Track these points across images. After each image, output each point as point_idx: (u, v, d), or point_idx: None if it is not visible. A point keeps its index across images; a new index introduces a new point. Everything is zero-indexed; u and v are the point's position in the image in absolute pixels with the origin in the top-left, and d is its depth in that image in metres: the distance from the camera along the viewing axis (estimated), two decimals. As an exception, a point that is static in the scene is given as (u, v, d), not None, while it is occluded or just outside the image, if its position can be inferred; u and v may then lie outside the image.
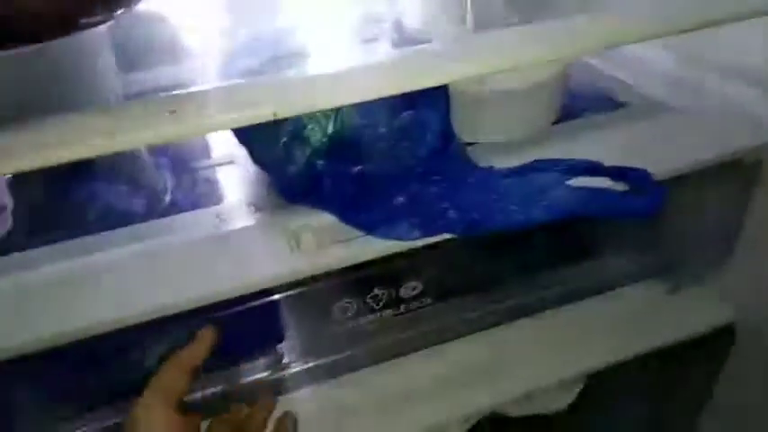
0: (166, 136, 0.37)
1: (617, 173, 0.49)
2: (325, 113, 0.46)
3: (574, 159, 0.50)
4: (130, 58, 0.50)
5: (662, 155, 0.53)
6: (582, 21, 0.44)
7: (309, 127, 0.46)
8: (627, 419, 0.73)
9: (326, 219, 0.47)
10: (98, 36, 0.46)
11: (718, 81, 0.60)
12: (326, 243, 0.46)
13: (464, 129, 0.52)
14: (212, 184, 0.54)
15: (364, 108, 0.46)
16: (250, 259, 0.46)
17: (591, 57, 0.68)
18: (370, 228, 0.46)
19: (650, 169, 0.50)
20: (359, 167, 0.47)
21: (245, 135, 0.49)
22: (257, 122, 0.38)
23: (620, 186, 0.49)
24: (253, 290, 0.45)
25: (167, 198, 0.53)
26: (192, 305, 0.43)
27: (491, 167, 0.50)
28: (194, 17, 0.59)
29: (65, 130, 0.36)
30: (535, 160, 0.51)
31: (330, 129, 0.46)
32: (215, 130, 0.39)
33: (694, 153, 0.53)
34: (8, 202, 0.46)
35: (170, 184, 0.54)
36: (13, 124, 0.36)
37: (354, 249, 0.46)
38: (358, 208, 0.46)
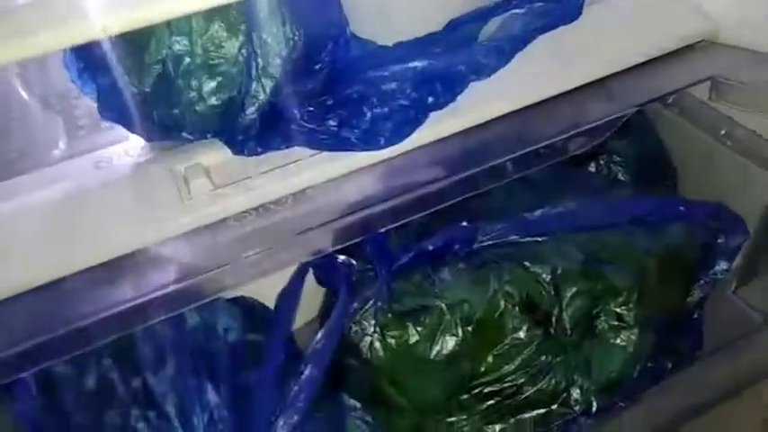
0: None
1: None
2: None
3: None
4: None
5: (605, 50, 0.46)
6: None
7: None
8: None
9: (219, 155, 0.40)
10: None
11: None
12: (222, 185, 0.39)
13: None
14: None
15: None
16: (135, 213, 0.38)
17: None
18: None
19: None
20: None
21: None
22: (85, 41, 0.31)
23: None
24: (136, 249, 0.37)
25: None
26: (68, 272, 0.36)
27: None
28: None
29: None
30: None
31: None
32: (35, 53, 0.31)
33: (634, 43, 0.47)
34: None
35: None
36: None
37: (257, 189, 0.39)
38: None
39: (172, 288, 0.38)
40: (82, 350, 0.38)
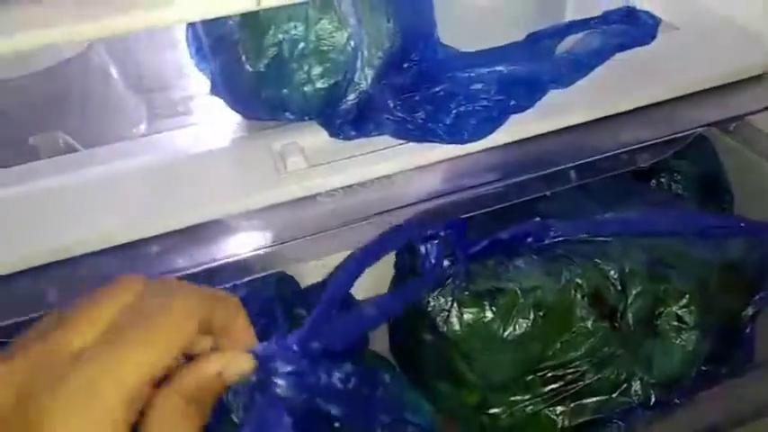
0: (117, 28, 0.32)
1: (603, 20, 0.48)
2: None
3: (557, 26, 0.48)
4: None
5: (670, 75, 0.49)
6: None
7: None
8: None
9: (314, 137, 0.43)
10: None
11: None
12: (317, 163, 0.42)
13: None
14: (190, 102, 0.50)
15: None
16: (232, 182, 0.42)
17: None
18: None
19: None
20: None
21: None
22: (235, 13, 0.35)
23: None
24: (231, 213, 0.41)
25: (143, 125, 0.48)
26: (169, 229, 0.40)
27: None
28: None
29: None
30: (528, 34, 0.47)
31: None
32: (181, 21, 0.35)
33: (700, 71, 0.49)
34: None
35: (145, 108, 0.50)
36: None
37: (347, 170, 0.42)
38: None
39: (259, 251, 0.41)
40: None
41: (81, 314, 0.22)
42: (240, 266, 0.41)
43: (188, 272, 0.40)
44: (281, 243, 0.41)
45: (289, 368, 0.28)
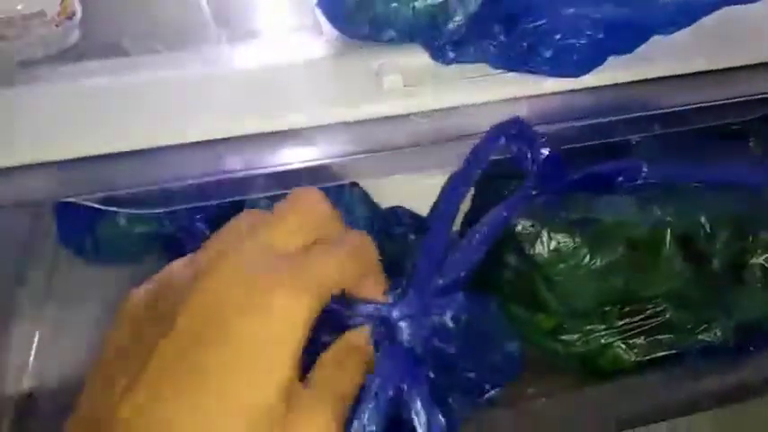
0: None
1: None
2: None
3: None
4: None
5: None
6: None
7: None
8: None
9: (412, 58, 0.43)
10: None
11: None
12: (413, 84, 0.42)
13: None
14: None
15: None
16: (324, 93, 0.43)
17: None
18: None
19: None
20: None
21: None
22: None
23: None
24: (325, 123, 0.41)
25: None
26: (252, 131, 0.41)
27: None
28: None
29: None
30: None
31: None
32: None
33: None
34: (78, 10, 0.43)
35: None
36: None
37: (444, 93, 0.42)
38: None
39: (335, 160, 0.41)
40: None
41: (282, 218, 0.24)
42: (317, 174, 0.42)
43: (266, 171, 0.41)
44: (361, 154, 0.41)
45: (408, 311, 0.29)
